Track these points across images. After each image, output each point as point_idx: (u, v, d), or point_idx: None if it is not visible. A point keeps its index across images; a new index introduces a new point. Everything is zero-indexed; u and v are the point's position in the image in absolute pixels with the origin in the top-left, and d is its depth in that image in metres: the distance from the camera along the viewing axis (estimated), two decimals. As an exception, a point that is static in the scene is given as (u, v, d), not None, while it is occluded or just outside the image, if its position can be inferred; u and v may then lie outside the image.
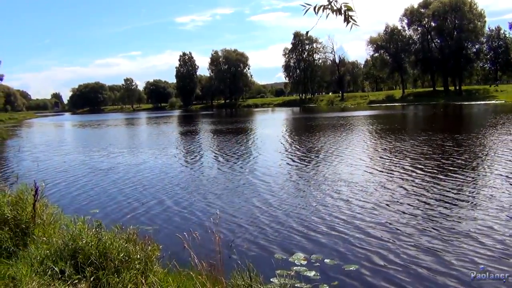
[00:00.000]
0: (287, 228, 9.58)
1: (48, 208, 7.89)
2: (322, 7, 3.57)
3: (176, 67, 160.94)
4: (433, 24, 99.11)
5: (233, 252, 8.00)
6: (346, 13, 3.60)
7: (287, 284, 5.66)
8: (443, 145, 21.55)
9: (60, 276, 5.37)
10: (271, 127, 43.40)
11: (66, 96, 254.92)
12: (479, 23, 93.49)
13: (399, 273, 7.00)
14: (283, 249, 8.27)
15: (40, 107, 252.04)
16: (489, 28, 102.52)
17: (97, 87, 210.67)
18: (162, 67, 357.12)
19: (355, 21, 3.63)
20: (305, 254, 7.92)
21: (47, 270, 5.46)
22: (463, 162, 16.75)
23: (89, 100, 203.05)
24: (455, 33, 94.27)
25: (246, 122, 55.69)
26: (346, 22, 3.64)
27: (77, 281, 5.27)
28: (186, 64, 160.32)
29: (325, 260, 7.61)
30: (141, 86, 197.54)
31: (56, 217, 7.85)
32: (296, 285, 6.34)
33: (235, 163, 19.99)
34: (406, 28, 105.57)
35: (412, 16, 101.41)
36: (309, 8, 3.54)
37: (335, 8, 3.59)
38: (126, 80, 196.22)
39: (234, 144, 28.24)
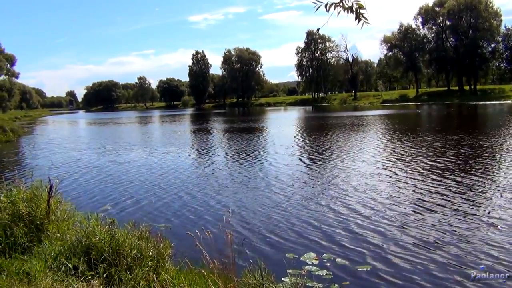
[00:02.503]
0: (298, 228, 9.57)
1: (62, 205, 7.95)
2: (334, 5, 3.53)
3: (189, 66, 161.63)
4: (448, 22, 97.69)
5: (245, 251, 8.00)
6: (358, 11, 3.56)
7: (299, 284, 5.63)
8: (459, 146, 21.31)
9: (73, 272, 5.44)
10: (282, 126, 43.28)
11: (80, 94, 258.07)
12: (495, 22, 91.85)
13: (407, 273, 6.97)
14: (294, 249, 8.26)
15: (55, 105, 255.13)
16: (505, 27, 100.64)
17: (110, 85, 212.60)
18: (175, 65, 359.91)
19: (366, 19, 3.59)
20: (317, 253, 7.90)
21: (61, 266, 5.53)
22: (484, 163, 16.57)
23: (103, 98, 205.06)
24: (471, 32, 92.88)
25: (258, 121, 55.65)
26: (357, 20, 3.59)
27: (90, 277, 5.33)
28: (199, 63, 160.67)
29: (337, 260, 7.59)
30: (154, 84, 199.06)
31: (70, 214, 7.92)
32: (307, 284, 6.32)
33: (247, 162, 20.02)
34: (421, 27, 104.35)
35: (426, 14, 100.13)
36: (320, 6, 3.51)
37: (346, 6, 3.55)
38: (140, 78, 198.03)
39: (247, 143, 28.28)
